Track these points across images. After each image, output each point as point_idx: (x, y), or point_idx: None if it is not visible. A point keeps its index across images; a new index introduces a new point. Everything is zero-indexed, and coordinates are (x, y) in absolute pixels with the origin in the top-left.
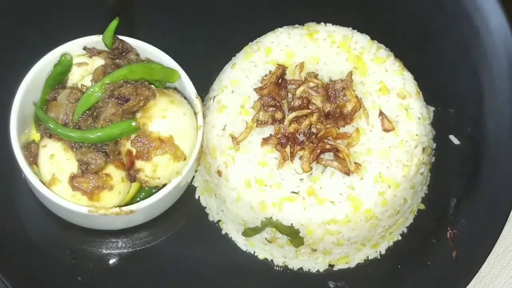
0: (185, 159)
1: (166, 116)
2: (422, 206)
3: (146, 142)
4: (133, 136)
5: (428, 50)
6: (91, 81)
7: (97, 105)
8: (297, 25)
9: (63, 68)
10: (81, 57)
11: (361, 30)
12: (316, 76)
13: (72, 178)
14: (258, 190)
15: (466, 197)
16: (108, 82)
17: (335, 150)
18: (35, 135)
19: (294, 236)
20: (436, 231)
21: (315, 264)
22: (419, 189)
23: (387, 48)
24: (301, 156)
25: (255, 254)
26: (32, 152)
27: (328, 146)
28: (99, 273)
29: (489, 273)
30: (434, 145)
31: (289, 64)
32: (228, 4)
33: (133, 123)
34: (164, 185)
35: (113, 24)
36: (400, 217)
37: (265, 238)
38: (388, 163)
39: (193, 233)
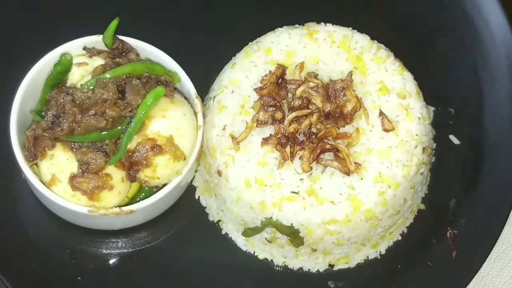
0: (185, 159)
1: (166, 116)
2: (422, 206)
3: (145, 155)
4: (134, 146)
5: (428, 50)
6: None
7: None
8: (297, 25)
9: (63, 67)
10: (81, 57)
11: (361, 30)
12: (316, 76)
13: (72, 178)
14: (258, 190)
15: (466, 197)
16: (110, 76)
17: (335, 150)
18: None
19: (294, 236)
20: (436, 231)
21: (315, 264)
22: (419, 189)
23: (387, 48)
24: (301, 156)
25: (255, 254)
26: (32, 152)
27: (328, 146)
28: (99, 273)
29: (489, 273)
30: (434, 145)
31: (289, 64)
32: (228, 4)
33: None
34: (164, 185)
35: (113, 24)
36: (400, 217)
37: (265, 238)
38: (388, 163)
39: (193, 233)
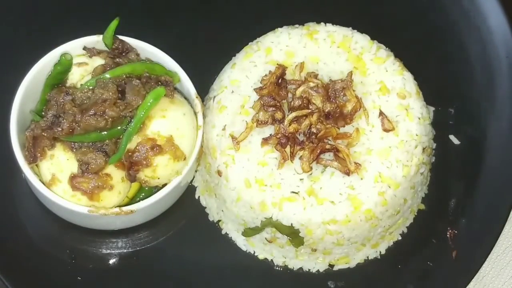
0: (185, 159)
1: (166, 116)
2: (422, 206)
3: (145, 155)
4: (134, 145)
5: (428, 50)
6: None
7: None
8: (297, 25)
9: (63, 67)
10: (81, 57)
11: (361, 30)
12: (316, 76)
13: (72, 178)
14: (258, 190)
15: (466, 197)
16: (110, 76)
17: (335, 150)
18: None
19: (294, 236)
20: (436, 231)
21: (315, 264)
22: (419, 189)
23: (387, 48)
24: (301, 156)
25: (255, 254)
26: (32, 152)
27: (328, 146)
28: (99, 273)
29: (489, 273)
30: (434, 145)
31: (289, 64)
32: (228, 4)
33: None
34: (164, 185)
35: (113, 24)
36: (400, 217)
37: (265, 238)
38: (388, 163)
39: (193, 233)
